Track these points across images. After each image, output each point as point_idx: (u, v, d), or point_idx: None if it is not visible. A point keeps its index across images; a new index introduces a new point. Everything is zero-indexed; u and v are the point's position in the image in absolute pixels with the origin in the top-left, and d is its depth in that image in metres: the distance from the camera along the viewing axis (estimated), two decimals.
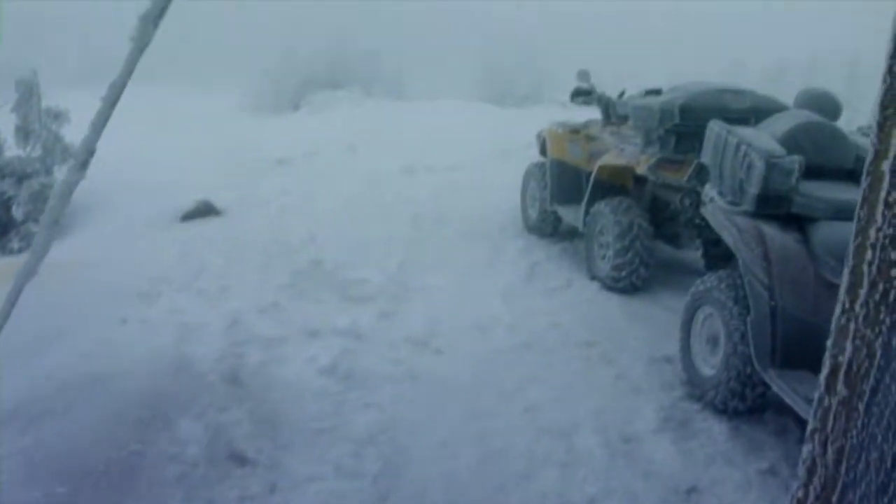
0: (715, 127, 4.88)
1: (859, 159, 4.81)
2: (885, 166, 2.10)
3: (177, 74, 28.93)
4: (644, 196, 6.88)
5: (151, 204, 9.02)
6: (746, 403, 4.51)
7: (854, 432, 2.20)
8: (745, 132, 4.73)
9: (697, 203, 6.37)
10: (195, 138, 14.01)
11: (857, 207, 2.24)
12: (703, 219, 6.79)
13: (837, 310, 2.37)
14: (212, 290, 6.18)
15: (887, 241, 2.14)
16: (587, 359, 5.27)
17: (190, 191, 9.10)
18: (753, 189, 4.42)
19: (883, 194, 2.12)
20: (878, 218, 2.13)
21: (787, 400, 4.03)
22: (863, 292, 2.23)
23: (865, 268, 2.22)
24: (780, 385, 4.13)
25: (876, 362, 2.16)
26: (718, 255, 7.02)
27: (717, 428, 4.46)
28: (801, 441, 4.38)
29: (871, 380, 2.17)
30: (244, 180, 10.12)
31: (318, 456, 4.01)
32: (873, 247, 2.18)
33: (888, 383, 2.14)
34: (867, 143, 4.86)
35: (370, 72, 24.31)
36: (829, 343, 2.37)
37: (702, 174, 6.24)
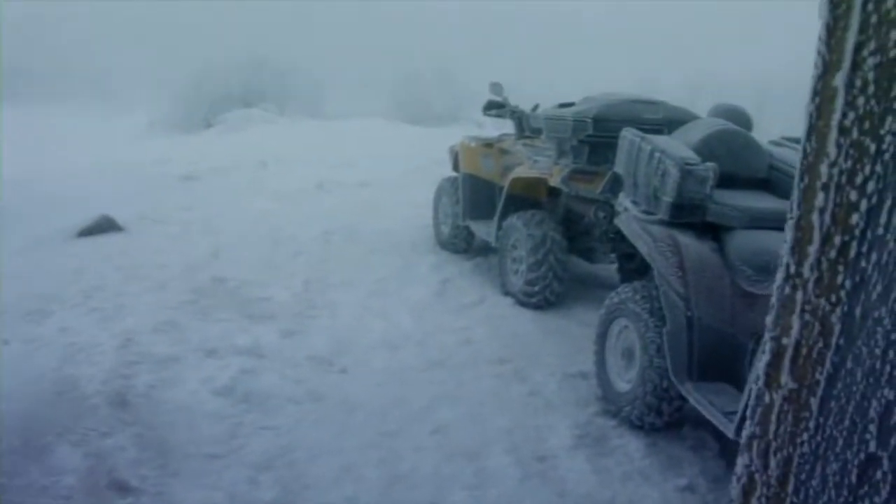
0: (628, 135, 4.75)
1: (773, 168, 4.75)
2: (839, 80, 1.61)
3: (86, 94, 28.05)
4: (557, 209, 6.74)
5: (48, 219, 8.52)
6: (663, 418, 4.37)
7: (805, 437, 1.73)
8: (659, 140, 4.62)
9: (611, 215, 6.27)
10: (99, 156, 13.46)
11: (803, 139, 1.75)
12: (618, 232, 6.72)
13: (779, 276, 1.87)
14: (106, 308, 5.79)
15: (844, 178, 1.62)
16: (499, 376, 5.07)
17: (90, 207, 8.63)
18: (668, 197, 4.30)
19: (837, 117, 1.62)
20: (831, 150, 1.65)
21: (705, 413, 3.89)
22: (813, 249, 1.72)
23: (816, 217, 1.70)
24: (697, 398, 3.98)
25: (833, 342, 1.67)
26: (633, 269, 6.94)
27: (633, 444, 4.29)
28: (720, 455, 4.31)
29: (828, 365, 1.68)
30: (148, 196, 9.67)
31: (210, 483, 3.69)
32: (825, 188, 1.67)
33: (850, 368, 1.63)
34: (781, 153, 4.85)
35: (286, 90, 23.89)
36: (768, 321, 1.89)
37: (616, 186, 6.13)
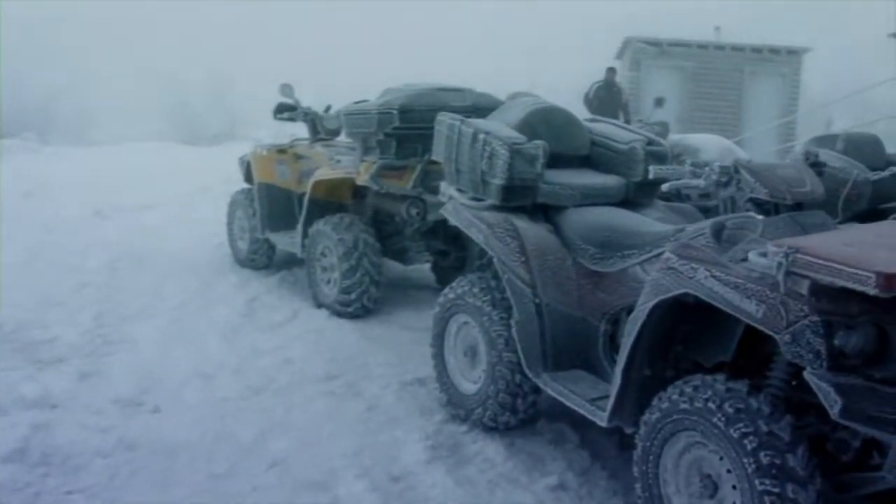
0: (446, 119, 4.44)
1: (595, 145, 4.58)
2: None
3: None
4: (366, 210, 6.36)
5: None
6: (518, 416, 4.07)
7: None
8: (481, 122, 4.34)
9: (425, 211, 5.96)
10: None
11: None
12: (432, 229, 6.43)
13: None
14: None
15: None
16: (331, 394, 4.61)
17: None
18: (498, 180, 4.02)
19: None
20: None
21: (570, 404, 3.62)
22: None
23: None
24: (556, 389, 3.71)
25: None
26: (448, 267, 6.69)
27: (491, 448, 3.97)
28: (581, 446, 4.06)
29: None
30: None
31: None
32: None
33: None
34: (600, 128, 4.68)
35: (47, 118, 22.13)
36: None
37: (427, 179, 5.84)
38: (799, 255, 2.57)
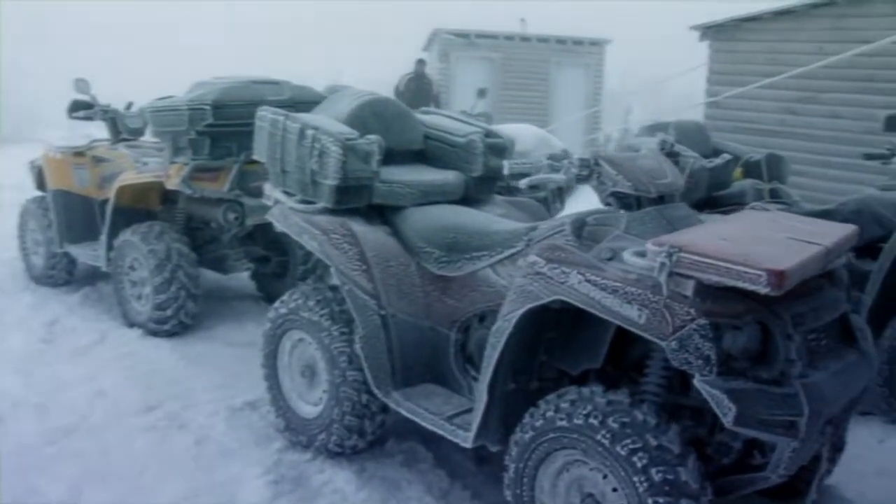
0: (268, 114, 4.00)
1: (429, 138, 4.28)
2: None
3: None
4: (178, 216, 5.80)
5: None
6: (367, 438, 3.72)
7: None
8: (308, 116, 3.94)
9: (243, 215, 5.50)
10: None
11: None
12: (251, 234, 5.96)
13: None
14: None
15: None
16: (153, 428, 4.08)
17: None
18: (331, 180, 3.64)
19: None
20: None
21: (425, 424, 3.31)
22: None
23: None
24: (410, 408, 3.39)
25: None
26: (270, 274, 6.26)
27: (340, 477, 3.61)
28: (436, 465, 3.75)
29: None
30: None
31: None
32: None
33: None
34: (433, 121, 4.38)
35: None
36: None
37: (244, 181, 5.38)
38: (682, 255, 2.37)
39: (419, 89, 13.37)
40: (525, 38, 19.99)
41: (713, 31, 10.81)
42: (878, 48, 8.38)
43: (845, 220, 4.72)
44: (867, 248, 4.78)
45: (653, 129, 5.78)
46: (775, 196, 5.62)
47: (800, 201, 5.73)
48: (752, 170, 5.77)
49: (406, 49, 18.59)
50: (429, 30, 20.38)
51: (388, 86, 13.50)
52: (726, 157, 5.07)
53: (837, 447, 3.35)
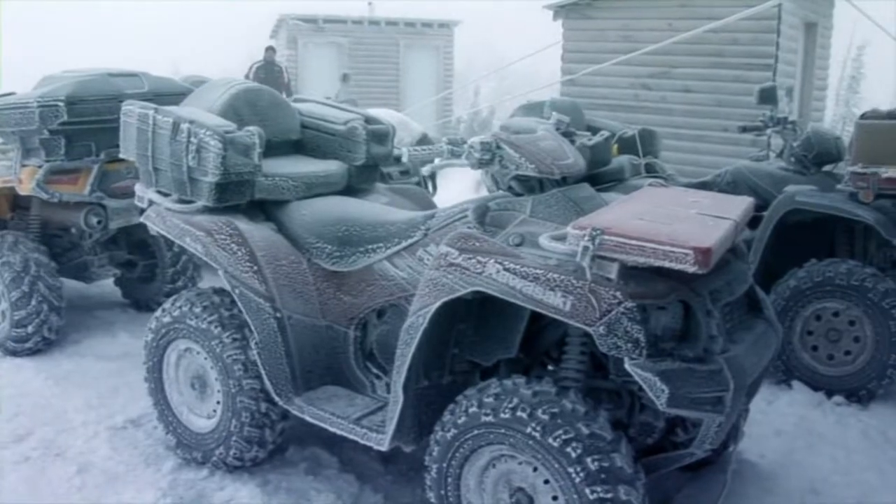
0: (135, 108, 3.71)
1: (306, 127, 4.09)
2: None
3: None
4: (32, 223, 5.36)
5: None
6: (268, 448, 3.52)
7: None
8: (180, 110, 3.67)
9: (106, 219, 5.14)
10: None
11: None
12: (114, 238, 5.61)
13: None
14: None
15: None
16: (26, 460, 3.70)
17: None
18: (211, 177, 3.40)
19: None
20: None
21: (333, 429, 3.15)
22: None
23: None
24: (314, 414, 3.21)
25: None
26: (136, 279, 5.92)
27: (244, 492, 3.39)
28: (343, 470, 3.57)
29: None
30: None
31: None
32: None
33: None
34: (309, 109, 4.19)
35: None
36: None
37: (106, 181, 5.05)
38: (606, 237, 2.30)
39: (269, 78, 13.02)
40: (374, 22, 19.85)
41: (566, 10, 10.94)
42: (725, 25, 8.66)
43: (722, 191, 4.85)
44: None
45: (527, 109, 5.74)
46: (650, 170, 5.70)
47: (674, 175, 5.83)
48: (626, 145, 5.82)
49: (256, 38, 18.12)
50: (276, 16, 19.95)
51: (238, 76, 13.09)
52: (605, 133, 5.08)
53: (744, 415, 3.40)
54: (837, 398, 4.40)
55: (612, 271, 2.35)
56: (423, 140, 7.62)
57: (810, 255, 4.54)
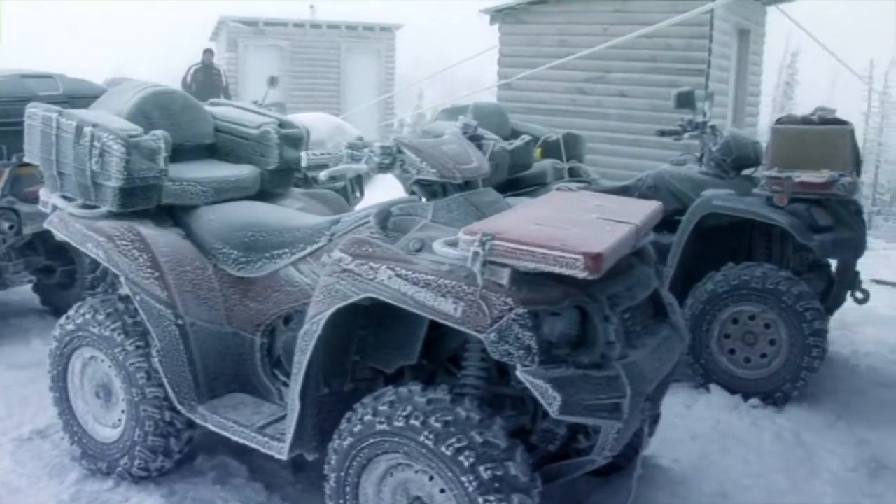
0: (39, 111, 3.62)
1: (220, 131, 4.03)
2: None
3: None
4: None
5: None
6: (174, 458, 3.44)
7: None
8: (85, 113, 3.59)
9: (20, 225, 5.02)
10: None
11: None
12: (30, 243, 5.47)
13: None
14: None
15: None
16: None
17: None
18: (114, 182, 3.34)
19: None
20: None
21: (236, 437, 3.09)
22: None
23: None
24: (218, 422, 3.16)
25: None
26: (55, 285, 5.79)
27: (149, 502, 3.32)
28: (251, 479, 3.46)
29: None
30: None
31: None
32: None
33: None
34: (223, 113, 4.12)
35: None
36: None
37: (17, 186, 4.94)
38: (496, 242, 2.27)
39: (207, 81, 12.85)
40: (315, 25, 19.72)
41: (503, 15, 10.95)
42: (658, 30, 8.73)
43: (642, 195, 4.87)
44: (664, 222, 4.92)
45: (451, 112, 5.73)
46: (574, 174, 5.71)
47: (598, 179, 5.85)
48: (550, 149, 5.83)
49: (202, 39, 17.90)
50: (216, 18, 19.73)
51: (175, 78, 12.91)
52: (526, 137, 5.08)
53: (654, 419, 3.40)
54: (754, 401, 4.44)
55: (504, 277, 2.33)
56: (364, 145, 7.55)
57: (730, 259, 4.58)
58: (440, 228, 2.69)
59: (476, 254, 2.29)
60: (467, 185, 2.90)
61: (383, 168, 2.84)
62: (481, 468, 2.37)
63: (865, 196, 23.93)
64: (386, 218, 2.79)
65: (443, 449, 2.40)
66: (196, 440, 3.52)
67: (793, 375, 4.39)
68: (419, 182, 2.87)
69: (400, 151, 2.84)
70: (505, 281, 2.33)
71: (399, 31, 20.66)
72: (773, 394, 4.44)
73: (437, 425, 2.43)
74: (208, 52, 13.49)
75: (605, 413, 2.39)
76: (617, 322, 2.53)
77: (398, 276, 2.50)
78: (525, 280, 2.35)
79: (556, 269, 2.22)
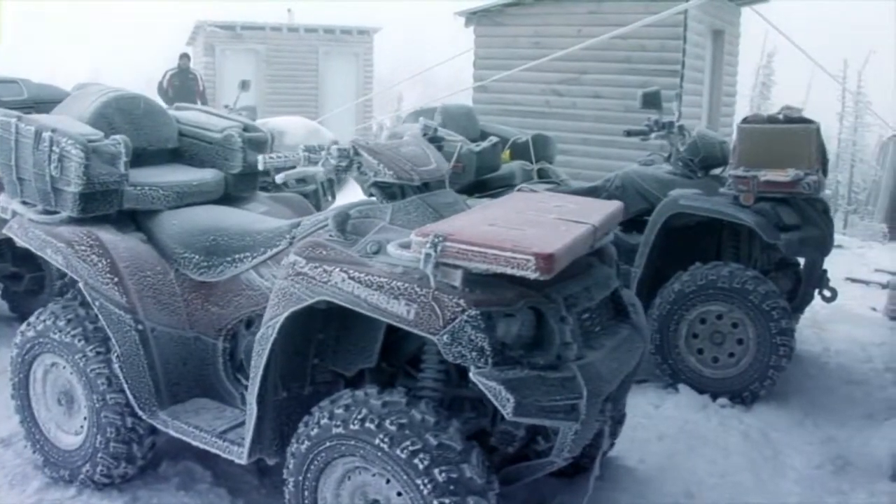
0: None
1: (184, 136, 4.02)
2: None
3: None
4: None
5: None
6: (137, 464, 3.42)
7: None
8: (44, 118, 3.56)
9: None
10: None
11: None
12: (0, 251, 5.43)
13: None
14: None
15: None
16: None
17: None
18: (74, 187, 3.31)
19: None
20: None
21: (197, 443, 3.07)
22: None
23: None
24: (179, 428, 3.13)
25: None
26: (24, 291, 5.74)
27: None
28: (216, 484, 3.45)
29: None
30: None
31: None
32: None
33: None
34: (188, 117, 4.11)
35: None
36: None
37: None
38: (448, 244, 2.27)
39: (183, 85, 12.80)
40: (292, 29, 19.68)
41: (478, 17, 10.96)
42: (632, 31, 8.76)
43: (611, 196, 4.88)
44: (633, 222, 4.94)
45: (418, 114, 5.73)
46: (543, 176, 5.71)
47: (567, 180, 5.86)
48: (519, 151, 5.84)
49: (174, 45, 17.79)
50: (193, 22, 19.64)
51: (151, 83, 12.87)
52: (493, 139, 5.08)
53: (618, 420, 3.41)
54: (722, 400, 4.46)
55: (457, 278, 2.32)
56: (322, 147, 7.55)
57: (698, 259, 4.60)
58: (398, 231, 2.68)
59: (428, 255, 2.28)
60: (426, 186, 2.90)
61: (340, 170, 2.83)
62: (436, 471, 2.36)
63: (841, 195, 24.12)
64: (344, 221, 2.77)
65: (398, 452, 2.39)
66: (160, 446, 3.50)
67: (761, 374, 4.40)
68: (377, 184, 2.86)
69: (357, 154, 2.83)
70: (458, 282, 2.32)
71: (377, 35, 20.64)
72: (742, 393, 4.46)
73: (392, 428, 2.42)
74: (184, 57, 13.44)
75: (562, 414, 2.38)
76: (574, 323, 2.53)
77: (351, 278, 2.49)
78: (479, 281, 2.35)
79: (508, 270, 2.21)
